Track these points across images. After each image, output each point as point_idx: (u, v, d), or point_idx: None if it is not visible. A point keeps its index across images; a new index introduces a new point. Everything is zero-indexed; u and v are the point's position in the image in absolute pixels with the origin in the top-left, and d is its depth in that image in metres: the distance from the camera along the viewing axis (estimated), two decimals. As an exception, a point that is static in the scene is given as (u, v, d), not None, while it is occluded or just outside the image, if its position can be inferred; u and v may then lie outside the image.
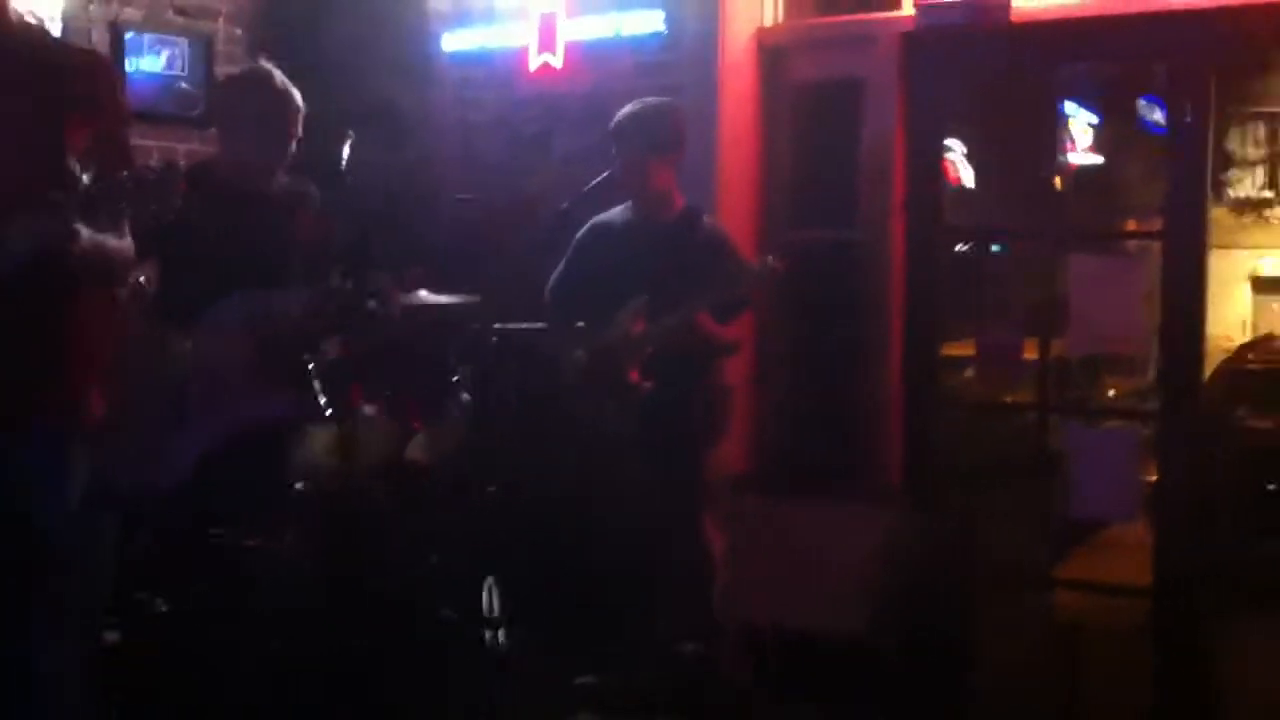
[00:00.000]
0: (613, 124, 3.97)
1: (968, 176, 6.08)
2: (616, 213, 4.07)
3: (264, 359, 3.38)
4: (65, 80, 2.62)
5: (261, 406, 3.38)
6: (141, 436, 3.26)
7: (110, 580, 2.97)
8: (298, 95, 3.60)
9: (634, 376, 3.76)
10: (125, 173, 2.39)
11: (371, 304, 3.40)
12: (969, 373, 4.81)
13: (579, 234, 4.09)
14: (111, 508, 2.89)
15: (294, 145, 3.60)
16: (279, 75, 3.62)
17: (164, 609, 3.42)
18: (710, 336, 3.81)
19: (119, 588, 3.14)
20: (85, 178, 2.46)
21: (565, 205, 4.10)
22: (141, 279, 3.48)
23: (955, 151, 5.86)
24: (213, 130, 5.19)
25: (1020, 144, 4.74)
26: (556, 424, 4.03)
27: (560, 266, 4.12)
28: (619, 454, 3.79)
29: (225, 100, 3.72)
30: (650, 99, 4.08)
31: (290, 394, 3.46)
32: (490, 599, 3.64)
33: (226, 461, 3.27)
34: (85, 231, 2.42)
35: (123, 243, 2.63)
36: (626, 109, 4.00)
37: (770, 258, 3.80)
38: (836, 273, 4.62)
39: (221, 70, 5.40)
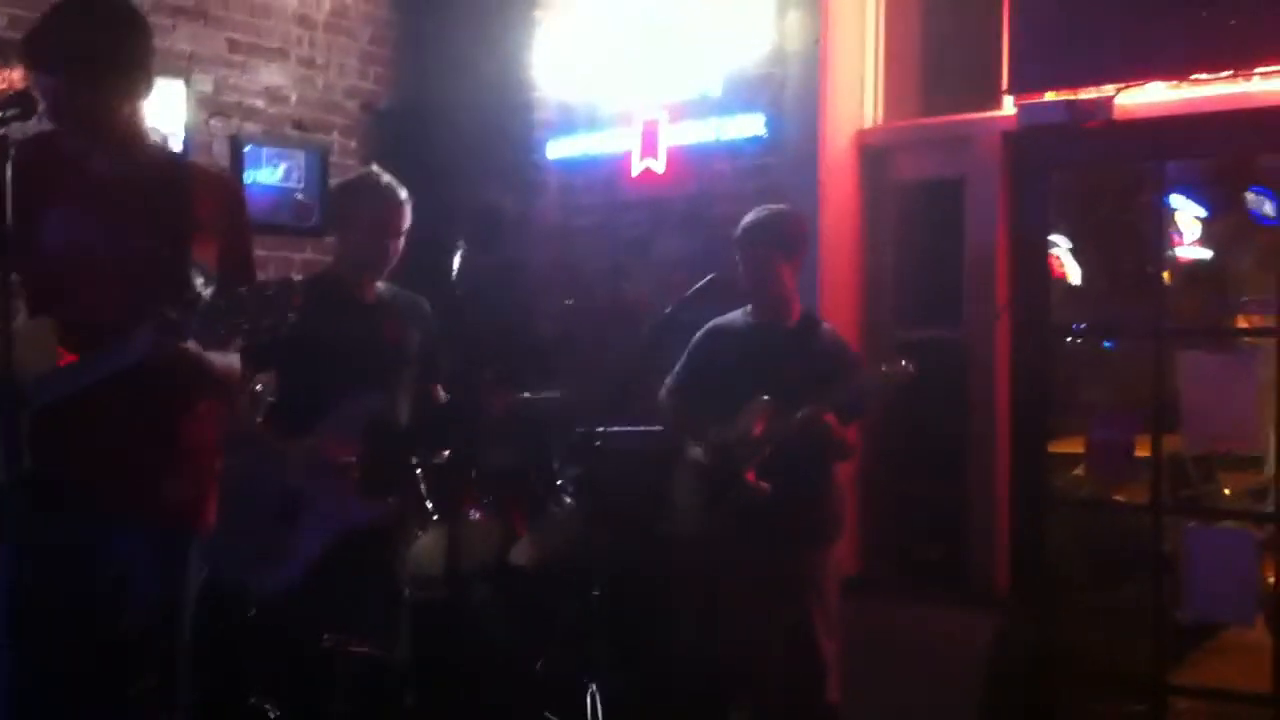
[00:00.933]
0: (739, 230, 4.00)
1: (1074, 272, 6.03)
2: (736, 316, 4.08)
3: (372, 463, 3.45)
4: (195, 200, 2.71)
5: (369, 510, 3.44)
6: (255, 540, 3.34)
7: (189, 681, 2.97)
8: (406, 197, 3.71)
9: (750, 477, 3.75)
10: (245, 290, 2.43)
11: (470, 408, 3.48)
12: (1079, 470, 4.73)
13: (697, 336, 4.11)
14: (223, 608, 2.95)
15: (398, 246, 3.69)
16: (387, 178, 3.74)
17: (275, 715, 3.47)
18: (830, 438, 3.79)
19: (234, 693, 3.19)
20: (207, 292, 2.51)
21: (669, 309, 4.13)
22: (258, 387, 3.60)
23: (1061, 247, 5.82)
24: (329, 239, 5.42)
25: (1127, 238, 4.71)
26: (664, 526, 4.03)
27: (677, 368, 4.13)
28: (732, 556, 3.76)
29: (338, 204, 3.84)
30: (773, 205, 4.11)
31: (398, 498, 3.52)
32: (593, 706, 3.62)
33: (336, 565, 3.33)
34: (194, 346, 2.48)
35: (229, 359, 2.69)
36: (751, 215, 4.03)
37: (904, 361, 3.79)
38: (941, 372, 4.58)
39: (336, 182, 5.58)
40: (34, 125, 2.78)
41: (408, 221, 3.71)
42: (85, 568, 2.62)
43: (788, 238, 3.98)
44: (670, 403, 4.10)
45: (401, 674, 3.43)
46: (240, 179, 5.22)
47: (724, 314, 4.09)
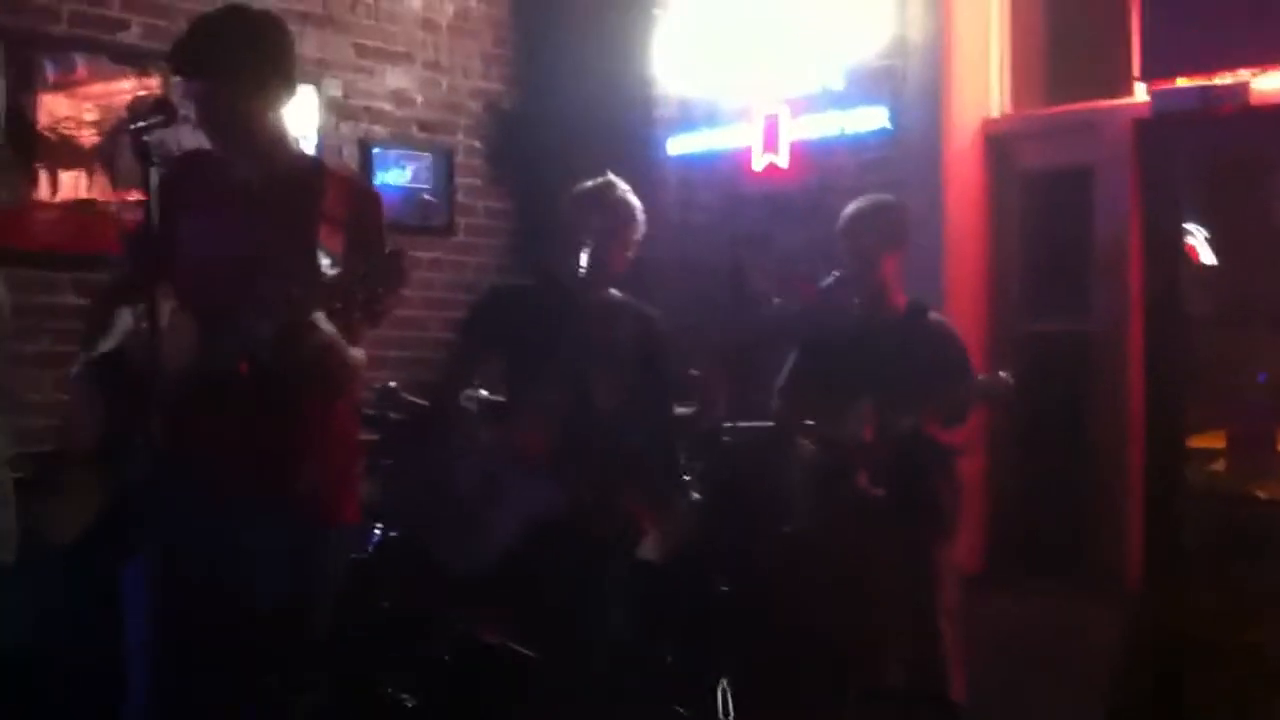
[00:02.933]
0: (841, 222, 4.00)
1: (1210, 260, 5.86)
2: (844, 309, 4.07)
3: (567, 455, 3.51)
4: (333, 202, 2.79)
5: (560, 502, 3.50)
6: (453, 523, 3.42)
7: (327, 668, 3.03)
8: (638, 211, 3.76)
9: (863, 481, 3.74)
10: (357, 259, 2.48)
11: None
12: (1218, 465, 4.61)
13: (804, 328, 4.11)
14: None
15: (625, 257, 3.76)
16: (622, 191, 3.79)
17: (411, 705, 3.54)
18: (936, 445, 3.77)
19: (370, 683, 3.27)
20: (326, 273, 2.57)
21: (798, 308, 4.14)
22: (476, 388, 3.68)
23: (1196, 235, 5.67)
24: (457, 239, 5.52)
25: (1264, 224, 4.57)
26: (786, 522, 4.03)
27: (789, 364, 4.15)
28: (849, 553, 3.76)
29: (572, 209, 3.85)
30: (875, 196, 4.10)
31: (582, 494, 3.57)
32: (724, 700, 3.63)
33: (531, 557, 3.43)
34: (325, 326, 2.55)
35: (358, 351, 2.75)
36: (853, 207, 4.03)
37: (1003, 373, 3.75)
38: (1071, 363, 4.51)
39: (461, 182, 5.69)
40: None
41: (639, 234, 3.75)
42: (222, 558, 2.68)
43: (890, 228, 3.96)
44: (782, 397, 4.11)
45: (528, 664, 3.48)
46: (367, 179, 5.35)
47: (855, 306, 4.08)
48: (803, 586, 3.94)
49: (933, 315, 4.06)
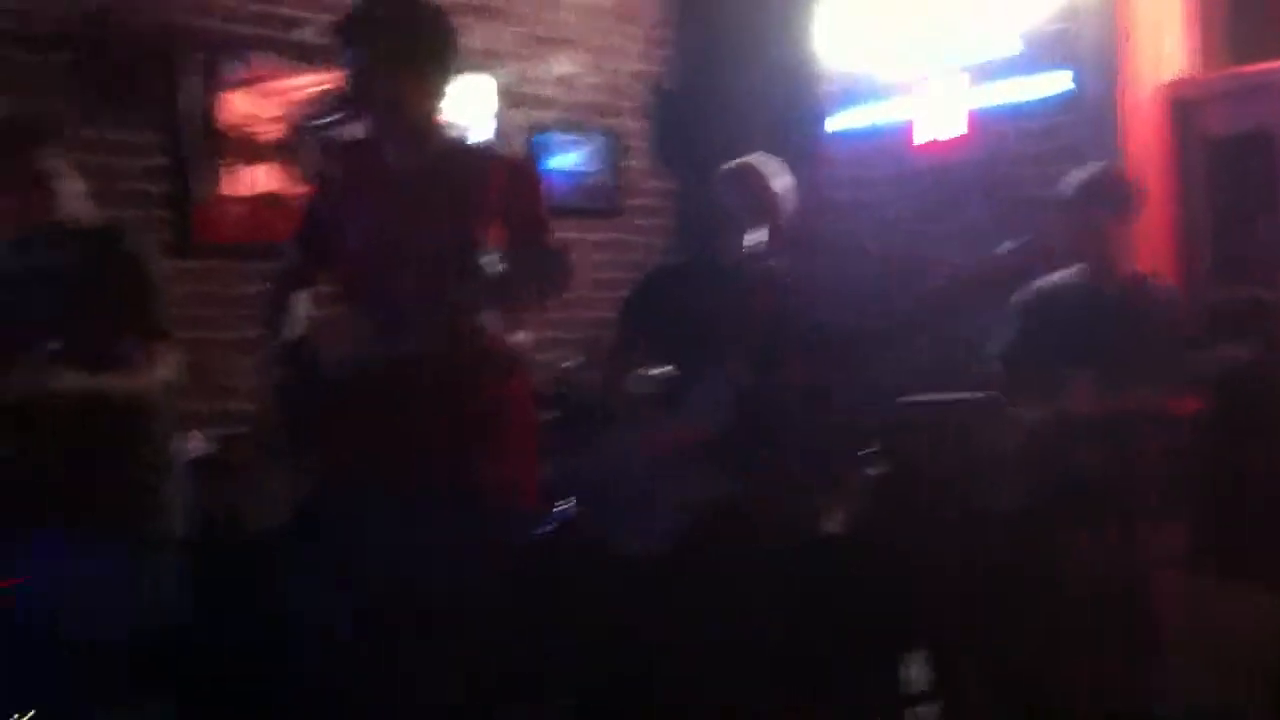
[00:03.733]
0: (1067, 186, 3.88)
1: None
2: (1063, 277, 3.96)
3: (734, 437, 3.53)
4: (488, 185, 2.78)
5: (724, 485, 3.52)
6: (626, 507, 3.48)
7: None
8: (781, 183, 3.79)
9: (1078, 455, 3.65)
10: (518, 255, 2.48)
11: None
12: None
13: (1022, 298, 4.00)
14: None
15: (779, 230, 3.77)
16: (761, 163, 3.82)
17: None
18: (1161, 418, 3.64)
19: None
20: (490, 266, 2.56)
21: (964, 276, 4.03)
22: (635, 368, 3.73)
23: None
24: (624, 219, 5.57)
25: None
26: (976, 497, 3.96)
27: (1002, 333, 4.05)
28: (1058, 531, 3.67)
29: (719, 191, 3.91)
30: (1102, 162, 3.98)
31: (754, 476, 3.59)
32: (909, 677, 3.61)
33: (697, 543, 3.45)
34: (494, 323, 2.57)
35: (525, 335, 2.78)
36: (1080, 172, 3.91)
37: (1233, 348, 3.61)
38: (1266, 332, 4.33)
39: (627, 163, 5.73)
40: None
41: (786, 209, 3.78)
42: (403, 548, 2.70)
43: (1118, 195, 3.84)
44: (994, 369, 4.02)
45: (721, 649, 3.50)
46: (536, 165, 5.44)
47: (1038, 279, 3.98)
48: (1004, 562, 3.85)
49: (1161, 285, 3.93)
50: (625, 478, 3.52)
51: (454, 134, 2.97)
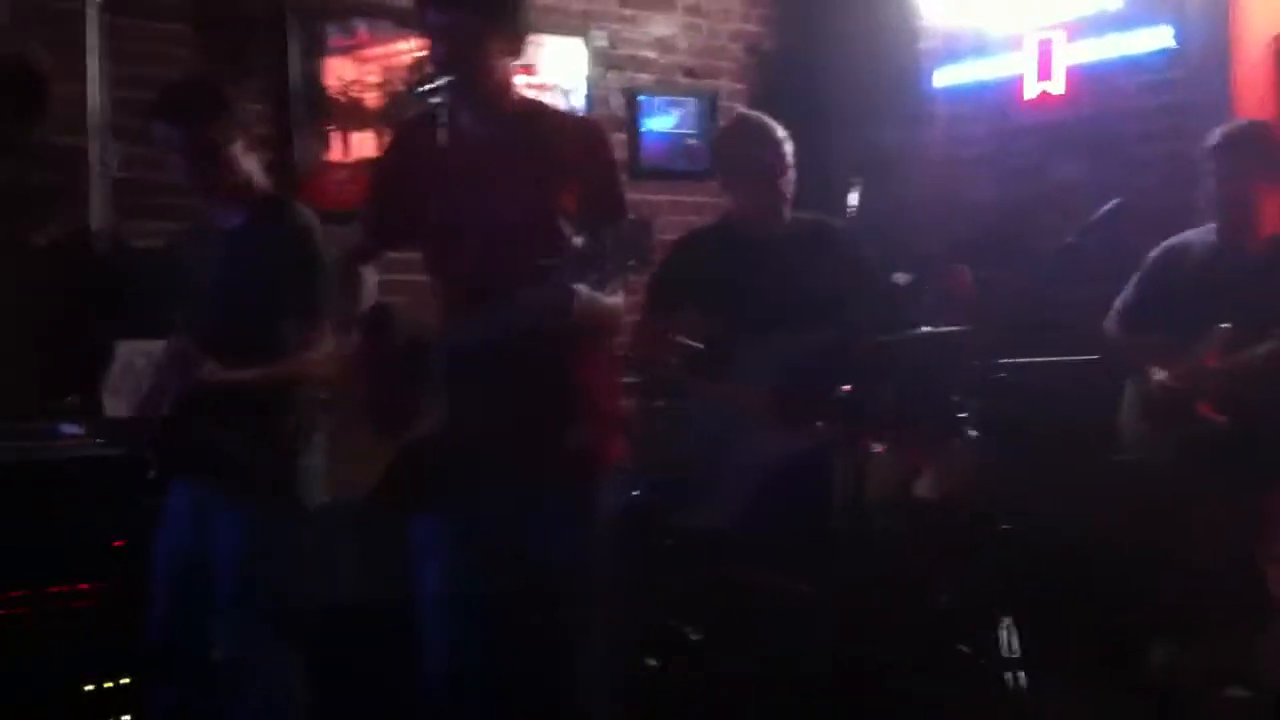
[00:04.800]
0: (1215, 140, 3.77)
1: None
2: (1196, 235, 3.86)
3: (790, 398, 3.54)
4: (559, 149, 2.76)
5: (790, 446, 3.54)
6: (685, 481, 3.51)
7: (628, 611, 3.11)
8: (780, 133, 3.75)
9: (1204, 409, 3.57)
10: (604, 231, 2.40)
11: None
12: None
13: (1151, 255, 3.92)
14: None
15: (788, 184, 3.75)
16: (756, 119, 3.82)
17: (695, 638, 3.64)
18: None
19: (657, 618, 3.36)
20: (577, 239, 2.49)
21: (1070, 239, 3.97)
22: (680, 337, 3.75)
23: None
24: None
25: None
26: (1085, 456, 3.91)
27: (1126, 291, 3.98)
28: (1181, 488, 3.61)
29: (719, 153, 3.95)
30: (1250, 118, 3.88)
31: (813, 433, 3.60)
32: (1008, 639, 3.59)
33: (766, 502, 3.46)
34: (584, 291, 2.51)
35: (614, 299, 2.71)
36: (1228, 126, 3.80)
37: None
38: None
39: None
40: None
41: (790, 157, 3.75)
42: (503, 520, 2.73)
43: (1268, 152, 3.73)
44: (1119, 328, 3.95)
45: (810, 604, 3.52)
46: (634, 126, 5.49)
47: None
48: (1120, 519, 3.80)
49: None
50: (684, 451, 3.52)
51: (528, 98, 2.95)
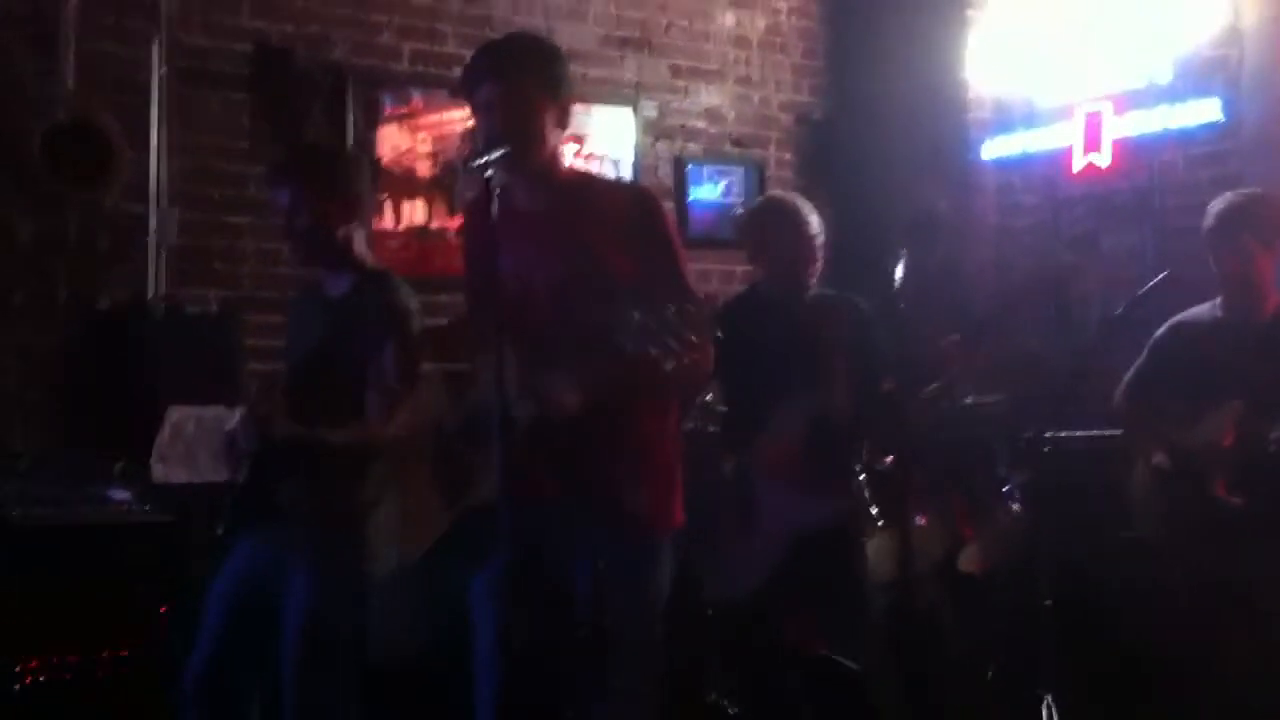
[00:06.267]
0: (1211, 215, 3.76)
1: None
2: (1204, 309, 3.84)
3: (817, 462, 3.55)
4: (610, 214, 2.78)
5: (819, 511, 3.54)
6: (714, 548, 3.50)
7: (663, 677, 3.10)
8: (812, 218, 3.82)
9: (1220, 490, 3.53)
10: (672, 310, 2.40)
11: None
12: None
13: (1159, 332, 3.90)
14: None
15: (816, 269, 3.81)
16: (789, 204, 3.87)
17: (733, 712, 3.61)
18: None
19: (694, 689, 3.34)
20: (638, 312, 2.48)
21: (1120, 309, 3.94)
22: (708, 397, 3.77)
23: None
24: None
25: None
26: (1121, 532, 3.87)
27: (1136, 366, 3.95)
28: (1198, 566, 3.56)
29: (749, 232, 3.99)
30: (1247, 189, 3.86)
31: (842, 501, 3.60)
32: (1049, 716, 3.54)
33: (795, 568, 3.46)
34: (646, 355, 2.59)
35: (670, 364, 2.78)
36: (1225, 199, 3.79)
37: None
38: None
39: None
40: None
41: (820, 235, 3.81)
42: (560, 572, 2.74)
43: (1267, 223, 3.70)
44: (1127, 404, 3.92)
45: (861, 677, 3.50)
46: (682, 195, 5.55)
47: (1184, 309, 3.87)
48: (1142, 597, 3.76)
49: None
50: (714, 516, 3.53)
51: (578, 170, 3.02)
